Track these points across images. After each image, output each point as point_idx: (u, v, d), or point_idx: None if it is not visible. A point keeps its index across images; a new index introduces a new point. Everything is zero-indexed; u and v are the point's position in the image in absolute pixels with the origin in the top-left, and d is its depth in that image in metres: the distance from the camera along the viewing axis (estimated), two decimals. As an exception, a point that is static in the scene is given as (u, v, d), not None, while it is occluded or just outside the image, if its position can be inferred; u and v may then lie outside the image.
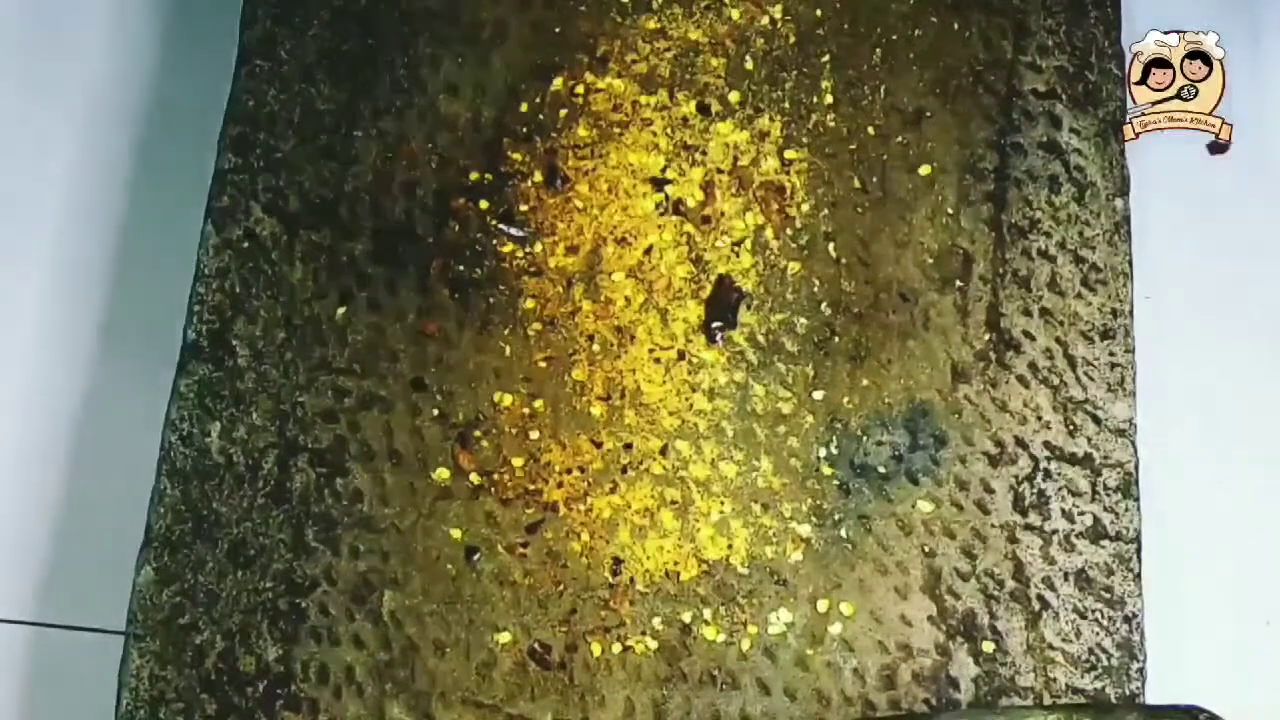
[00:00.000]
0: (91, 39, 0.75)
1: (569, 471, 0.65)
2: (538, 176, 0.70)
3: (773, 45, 0.72)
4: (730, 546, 0.64)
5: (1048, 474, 0.65)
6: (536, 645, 0.63)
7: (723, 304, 0.68)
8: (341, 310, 0.68)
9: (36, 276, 0.73)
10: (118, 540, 0.65)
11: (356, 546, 0.64)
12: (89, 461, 0.70)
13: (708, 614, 0.63)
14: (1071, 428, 0.66)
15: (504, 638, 0.63)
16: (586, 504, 0.65)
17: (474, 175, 0.70)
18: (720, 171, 0.70)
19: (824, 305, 0.68)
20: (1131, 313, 0.67)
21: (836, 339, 0.67)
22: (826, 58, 0.72)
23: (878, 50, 0.72)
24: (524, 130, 0.71)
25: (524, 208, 0.70)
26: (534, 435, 0.66)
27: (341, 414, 0.66)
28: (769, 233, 0.69)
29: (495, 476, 0.65)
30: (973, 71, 0.71)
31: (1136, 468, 0.65)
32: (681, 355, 0.67)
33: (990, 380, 0.66)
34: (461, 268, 0.69)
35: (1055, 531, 0.64)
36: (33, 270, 0.73)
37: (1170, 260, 0.70)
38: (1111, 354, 0.67)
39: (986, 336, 0.67)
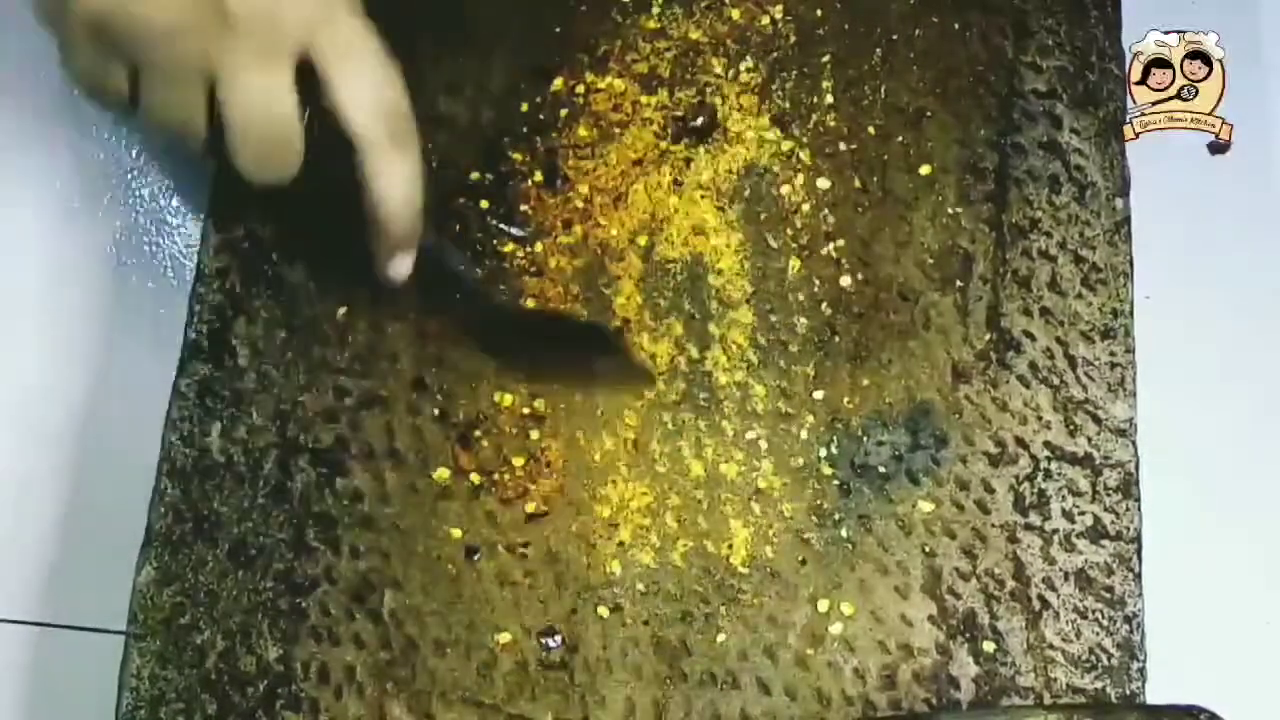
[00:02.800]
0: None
1: (569, 471, 0.65)
2: (538, 176, 0.70)
3: (773, 45, 0.72)
4: (730, 546, 0.64)
5: (1048, 474, 0.65)
6: (537, 644, 0.63)
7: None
8: (342, 310, 0.68)
9: (36, 276, 0.73)
10: (118, 540, 0.65)
11: (357, 546, 0.64)
12: (89, 461, 0.70)
13: (708, 614, 0.63)
14: (1072, 428, 0.65)
15: (504, 637, 0.63)
16: (587, 504, 0.65)
17: (474, 175, 0.70)
18: (720, 171, 0.70)
19: (824, 305, 0.68)
20: (1131, 313, 0.67)
21: (836, 339, 0.67)
22: (826, 58, 0.72)
23: (878, 50, 0.72)
24: (524, 130, 0.71)
25: (524, 208, 0.70)
26: (534, 435, 0.66)
27: (342, 414, 0.66)
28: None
29: (495, 476, 0.65)
30: (973, 71, 0.71)
31: (1136, 468, 0.65)
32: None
33: (990, 380, 0.66)
34: (462, 268, 0.69)
35: (1055, 531, 0.64)
36: (32, 269, 0.73)
37: (1170, 260, 0.70)
38: (1112, 354, 0.67)
39: (987, 336, 0.67)
